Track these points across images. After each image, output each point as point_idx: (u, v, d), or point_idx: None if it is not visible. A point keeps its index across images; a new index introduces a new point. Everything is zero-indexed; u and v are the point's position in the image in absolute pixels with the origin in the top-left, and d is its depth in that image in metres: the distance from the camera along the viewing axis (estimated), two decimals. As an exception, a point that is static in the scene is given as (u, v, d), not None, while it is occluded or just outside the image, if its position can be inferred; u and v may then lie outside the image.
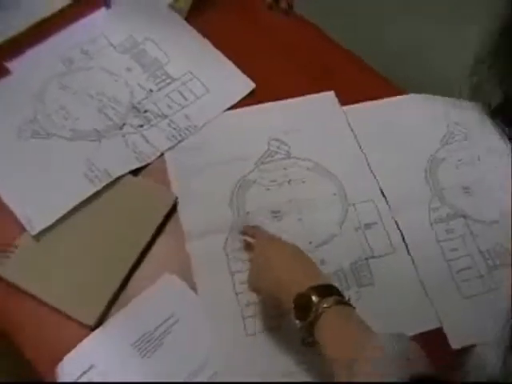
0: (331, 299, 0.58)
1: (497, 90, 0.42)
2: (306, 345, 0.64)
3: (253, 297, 0.72)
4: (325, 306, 0.57)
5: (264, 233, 0.73)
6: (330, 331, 0.57)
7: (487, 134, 0.90)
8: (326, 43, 1.00)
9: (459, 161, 0.88)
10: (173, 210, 0.79)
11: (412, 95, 0.94)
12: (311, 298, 0.58)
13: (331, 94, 0.93)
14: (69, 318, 0.70)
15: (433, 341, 0.71)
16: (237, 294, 0.73)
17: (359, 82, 0.95)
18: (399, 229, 0.80)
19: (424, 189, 0.85)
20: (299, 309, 0.59)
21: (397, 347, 0.51)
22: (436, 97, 0.94)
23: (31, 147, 0.82)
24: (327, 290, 0.59)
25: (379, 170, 0.86)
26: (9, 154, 0.82)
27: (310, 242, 0.78)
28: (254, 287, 0.68)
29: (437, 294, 0.75)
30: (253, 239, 0.73)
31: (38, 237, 0.74)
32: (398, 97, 0.93)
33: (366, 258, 0.77)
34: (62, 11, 0.98)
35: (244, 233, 0.77)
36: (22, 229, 0.75)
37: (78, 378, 0.66)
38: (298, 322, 0.59)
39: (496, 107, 1.11)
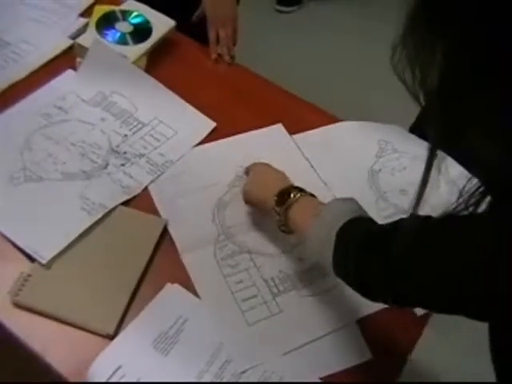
0: (306, 192, 0.81)
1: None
2: (282, 231, 0.83)
3: (245, 293, 0.84)
4: (299, 195, 0.80)
5: (260, 162, 0.95)
6: (303, 209, 0.79)
7: (411, 146, 1.09)
8: (266, 85, 1.17)
9: (392, 169, 1.06)
10: (164, 231, 0.90)
11: (348, 122, 1.12)
12: (290, 191, 0.80)
13: (279, 125, 1.09)
14: (88, 331, 0.78)
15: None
16: (233, 293, 0.85)
17: (300, 114, 1.12)
18: (356, 226, 0.96)
19: (369, 194, 1.01)
20: (280, 198, 0.81)
21: (349, 203, 0.75)
22: (367, 122, 1.13)
23: (26, 190, 0.91)
24: (301, 189, 0.82)
25: (330, 182, 1.02)
26: (6, 198, 0.90)
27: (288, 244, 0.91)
28: (247, 192, 0.90)
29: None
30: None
31: (47, 264, 0.82)
32: (336, 124, 1.11)
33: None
34: (31, 74, 1.09)
35: (246, 172, 0.96)
36: (31, 260, 0.83)
37: (109, 378, 0.73)
38: (277, 208, 0.80)
39: (412, 126, 1.33)
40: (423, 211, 0.58)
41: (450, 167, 0.57)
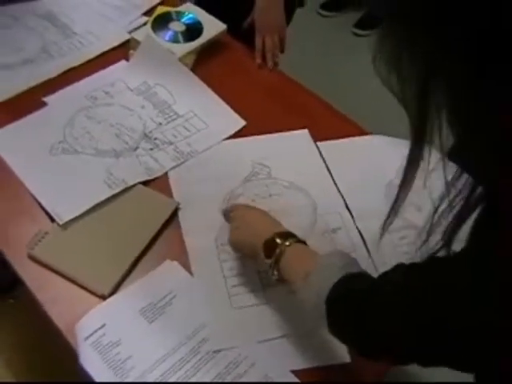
0: (291, 239, 0.77)
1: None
2: (277, 281, 0.79)
3: (237, 280, 0.89)
4: (286, 244, 0.76)
5: (240, 204, 0.93)
6: (291, 262, 0.75)
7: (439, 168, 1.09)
8: (302, 92, 1.22)
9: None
10: (174, 213, 0.97)
11: (377, 136, 1.14)
12: (275, 240, 0.77)
13: (305, 131, 1.13)
14: (87, 289, 0.86)
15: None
16: (225, 277, 0.89)
17: (330, 123, 1.16)
18: (360, 233, 0.97)
19: (382, 206, 1.02)
20: (267, 250, 0.78)
21: (337, 261, 0.71)
22: (397, 139, 1.14)
23: (61, 160, 1.01)
24: (287, 234, 0.78)
25: (345, 190, 1.04)
26: (42, 165, 1.00)
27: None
28: (234, 244, 0.86)
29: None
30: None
31: (64, 226, 0.91)
32: (364, 136, 1.13)
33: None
34: (89, 61, 1.20)
35: (227, 213, 0.93)
36: (52, 220, 0.93)
37: (91, 334, 0.80)
38: (267, 260, 0.77)
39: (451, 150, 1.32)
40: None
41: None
